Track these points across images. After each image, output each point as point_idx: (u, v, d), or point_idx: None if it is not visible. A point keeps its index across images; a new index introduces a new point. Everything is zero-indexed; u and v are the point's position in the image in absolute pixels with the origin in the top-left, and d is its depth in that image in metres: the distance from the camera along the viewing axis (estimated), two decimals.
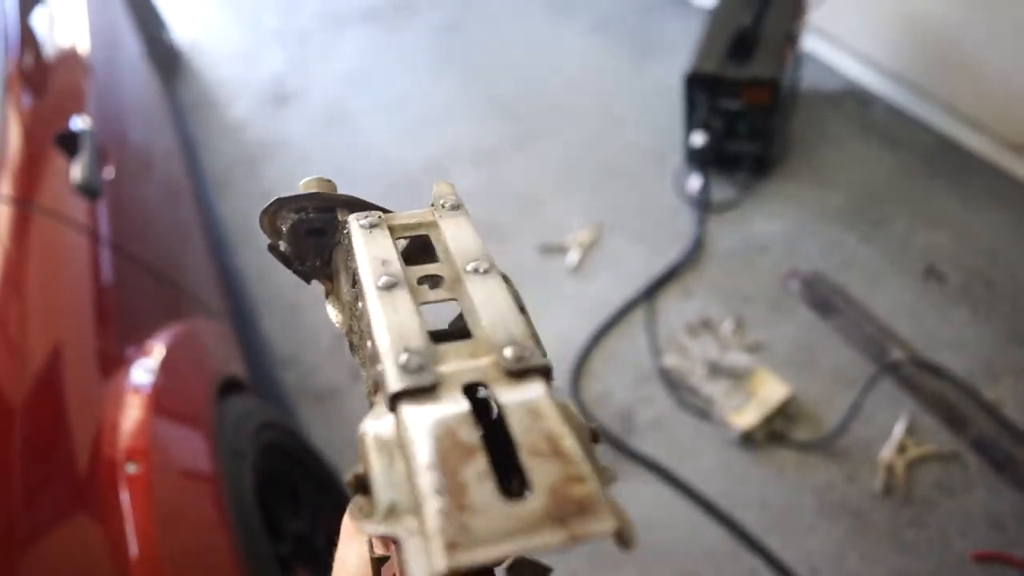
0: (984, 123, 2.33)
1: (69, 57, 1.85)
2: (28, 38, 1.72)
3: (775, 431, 1.86)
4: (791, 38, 2.25)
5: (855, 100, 2.59)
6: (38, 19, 1.80)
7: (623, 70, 2.89)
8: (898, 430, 1.82)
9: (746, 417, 1.85)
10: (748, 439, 1.84)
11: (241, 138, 2.99)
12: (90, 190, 1.44)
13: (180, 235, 1.93)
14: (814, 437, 1.84)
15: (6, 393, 1.08)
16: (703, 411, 1.91)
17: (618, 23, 3.08)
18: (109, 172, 1.57)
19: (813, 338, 2.02)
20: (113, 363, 1.26)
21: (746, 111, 2.21)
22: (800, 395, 1.91)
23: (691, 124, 2.30)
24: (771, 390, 1.90)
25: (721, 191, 2.37)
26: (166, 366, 1.28)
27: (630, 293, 2.16)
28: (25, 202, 1.31)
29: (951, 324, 2.01)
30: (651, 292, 2.16)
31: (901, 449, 1.80)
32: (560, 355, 2.05)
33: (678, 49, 2.75)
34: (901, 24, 2.43)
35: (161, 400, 1.22)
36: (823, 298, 2.08)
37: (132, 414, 1.17)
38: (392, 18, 3.36)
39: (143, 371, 1.26)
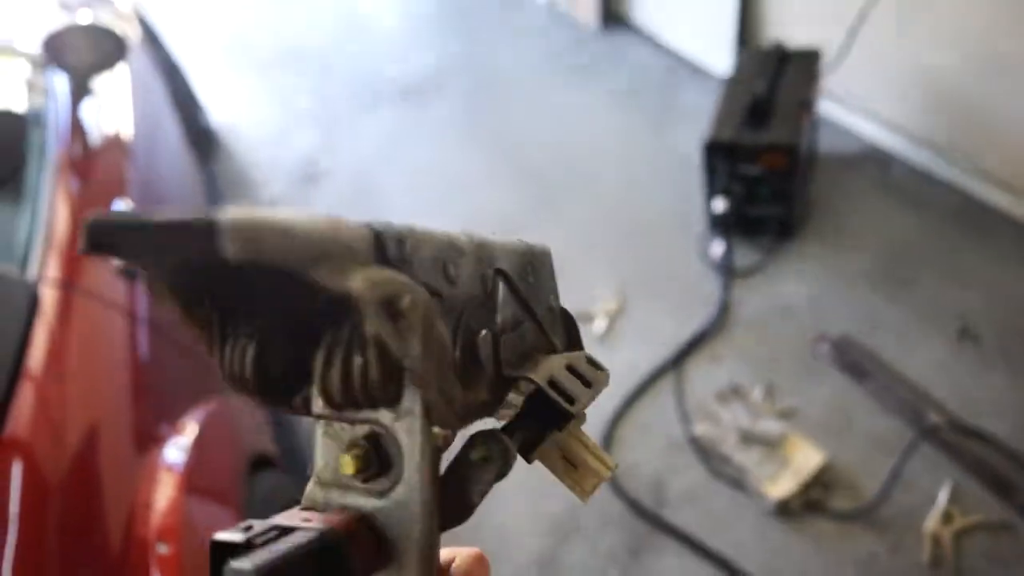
0: (1008, 180, 2.33)
1: (113, 143, 1.94)
2: (77, 127, 1.82)
3: (812, 500, 1.81)
4: (806, 104, 2.29)
5: (874, 161, 2.60)
6: (87, 109, 1.91)
7: (644, 138, 2.95)
8: (942, 498, 1.76)
9: (781, 486, 1.81)
10: (784, 509, 1.80)
11: None
12: (130, 271, 1.50)
13: None
14: (854, 506, 1.79)
15: (45, 472, 1.10)
16: (736, 480, 1.87)
17: (639, 92, 3.16)
18: None
19: (846, 403, 1.99)
20: (148, 441, 1.28)
21: (765, 176, 2.24)
22: (836, 462, 1.86)
23: (712, 190, 2.33)
24: (806, 457, 1.86)
25: (745, 255, 2.38)
26: (198, 444, 1.30)
27: (658, 360, 2.16)
28: (70, 285, 1.36)
29: (989, 386, 1.97)
30: (679, 359, 2.15)
31: (947, 518, 1.74)
32: (588, 425, 2.03)
33: (697, 116, 2.81)
34: (917, 86, 2.46)
35: (193, 479, 1.23)
36: (854, 361, 2.05)
37: (165, 492, 1.19)
38: (420, 95, 3.49)
39: (176, 449, 1.28)
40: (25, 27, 2.14)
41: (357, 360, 0.33)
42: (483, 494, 0.38)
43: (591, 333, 2.28)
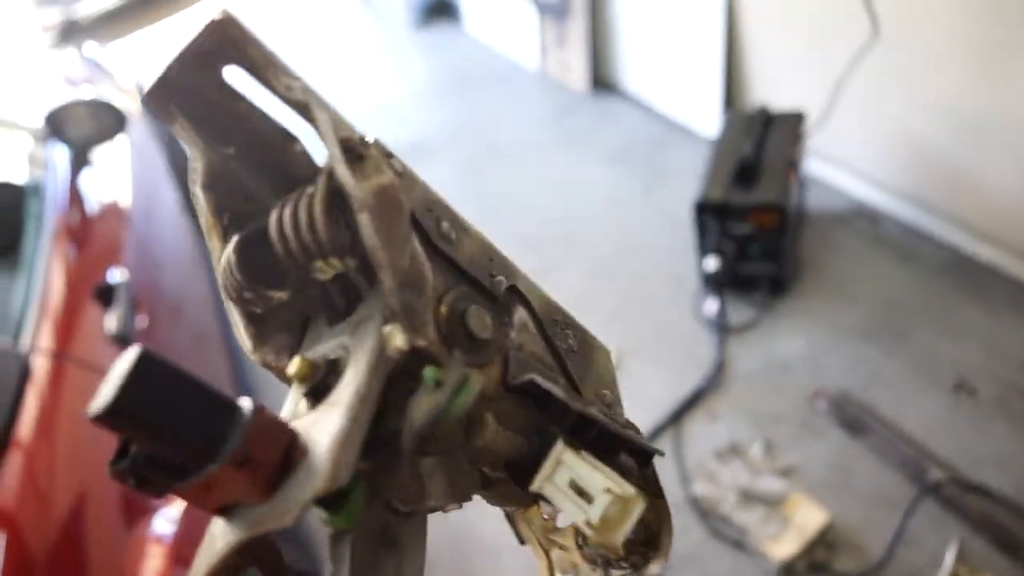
0: (996, 235, 2.36)
1: (111, 211, 1.97)
2: (75, 197, 1.84)
3: (816, 561, 1.77)
4: (792, 163, 2.34)
5: (863, 218, 2.64)
6: (86, 179, 1.94)
7: (636, 199, 3.00)
8: (949, 558, 1.73)
9: (784, 547, 1.77)
10: (788, 571, 1.76)
11: None
12: (123, 339, 1.50)
13: (207, 380, 1.97)
14: (860, 567, 1.75)
15: (31, 544, 1.08)
16: (738, 541, 1.83)
17: (630, 155, 3.23)
18: (142, 320, 1.64)
19: (847, 459, 1.97)
20: (137, 512, 1.26)
21: (756, 234, 2.27)
22: (839, 520, 1.83)
23: (704, 249, 2.36)
24: (808, 516, 1.82)
25: (739, 312, 2.39)
26: (188, 515, 1.28)
27: (655, 420, 2.14)
28: (62, 354, 1.36)
29: (990, 439, 1.95)
30: (677, 418, 2.14)
31: None
32: None
33: (687, 178, 2.86)
34: (899, 144, 2.52)
35: (182, 550, 1.20)
36: (853, 417, 2.04)
37: (153, 565, 1.16)
38: (414, 159, 3.54)
39: (165, 520, 1.25)
40: (28, 101, 2.20)
41: (307, 195, 0.34)
42: (417, 430, 0.34)
43: None
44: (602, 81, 3.60)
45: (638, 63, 3.42)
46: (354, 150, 0.33)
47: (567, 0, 3.43)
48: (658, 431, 2.11)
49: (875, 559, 1.75)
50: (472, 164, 3.45)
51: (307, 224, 0.34)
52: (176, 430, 0.31)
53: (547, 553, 0.44)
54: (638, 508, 0.37)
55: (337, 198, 0.34)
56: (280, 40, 5.20)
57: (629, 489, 0.37)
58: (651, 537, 0.37)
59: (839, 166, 2.74)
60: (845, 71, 2.38)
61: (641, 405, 2.20)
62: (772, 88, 2.82)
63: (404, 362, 0.34)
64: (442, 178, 3.40)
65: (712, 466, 1.99)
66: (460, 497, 0.38)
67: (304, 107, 0.34)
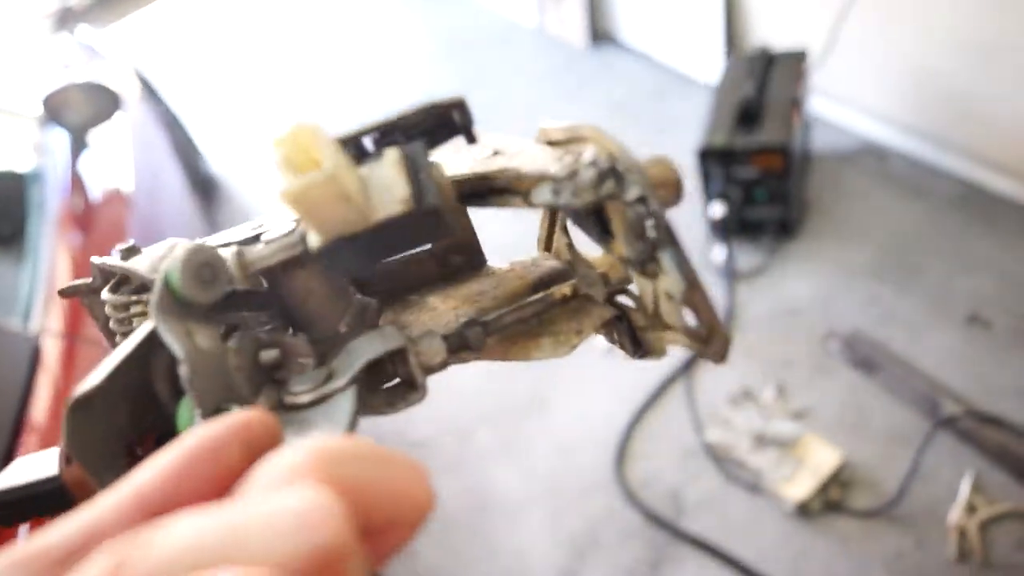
0: (1008, 165, 2.31)
1: (113, 195, 1.98)
2: (76, 182, 1.86)
3: (832, 500, 1.78)
4: (795, 103, 2.29)
5: (871, 155, 2.60)
6: (86, 163, 1.95)
7: (639, 149, 2.95)
8: (964, 489, 1.73)
9: (799, 487, 1.78)
10: (804, 510, 1.77)
11: None
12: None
13: None
14: (875, 503, 1.76)
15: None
16: (753, 484, 1.84)
17: (631, 107, 3.18)
18: None
19: (860, 399, 1.96)
20: None
21: (761, 178, 2.24)
22: (854, 460, 1.83)
23: (709, 196, 2.33)
24: (822, 457, 1.83)
25: (747, 258, 2.37)
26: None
27: (666, 369, 2.14)
28: (70, 336, 1.38)
29: (1005, 371, 1.93)
30: (688, 366, 2.14)
31: (971, 509, 1.70)
32: (601, 438, 2.02)
33: (689, 126, 2.82)
34: (907, 77, 2.46)
35: None
36: (865, 356, 2.02)
37: None
38: None
39: None
40: (27, 88, 2.20)
41: None
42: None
43: (596, 348, 2.27)
44: (601, 34, 3.54)
45: (636, 14, 3.35)
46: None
47: None
48: (670, 381, 2.12)
49: (890, 495, 1.75)
50: (477, 122, 3.42)
51: None
52: None
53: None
54: None
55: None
56: (276, 13, 5.15)
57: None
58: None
59: (844, 103, 2.69)
60: (846, 3, 2.31)
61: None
62: (773, 28, 2.76)
63: None
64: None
65: (725, 412, 2.00)
66: None
67: None
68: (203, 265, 0.30)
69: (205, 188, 3.38)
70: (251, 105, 4.19)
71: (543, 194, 0.36)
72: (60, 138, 1.96)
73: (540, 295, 0.39)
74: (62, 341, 1.36)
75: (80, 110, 1.99)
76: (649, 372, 2.15)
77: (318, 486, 0.19)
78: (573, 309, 0.40)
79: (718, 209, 2.29)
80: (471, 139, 0.40)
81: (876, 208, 2.43)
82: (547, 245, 0.45)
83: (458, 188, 0.38)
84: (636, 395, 2.11)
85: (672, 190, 0.37)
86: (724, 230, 2.33)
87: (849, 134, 2.67)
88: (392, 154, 0.32)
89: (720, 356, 0.37)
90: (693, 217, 2.52)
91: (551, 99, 3.40)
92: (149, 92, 3.01)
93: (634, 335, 0.40)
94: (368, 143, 0.35)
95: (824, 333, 2.12)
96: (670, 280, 0.36)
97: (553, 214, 0.44)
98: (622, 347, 0.41)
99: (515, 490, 1.99)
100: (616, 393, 2.13)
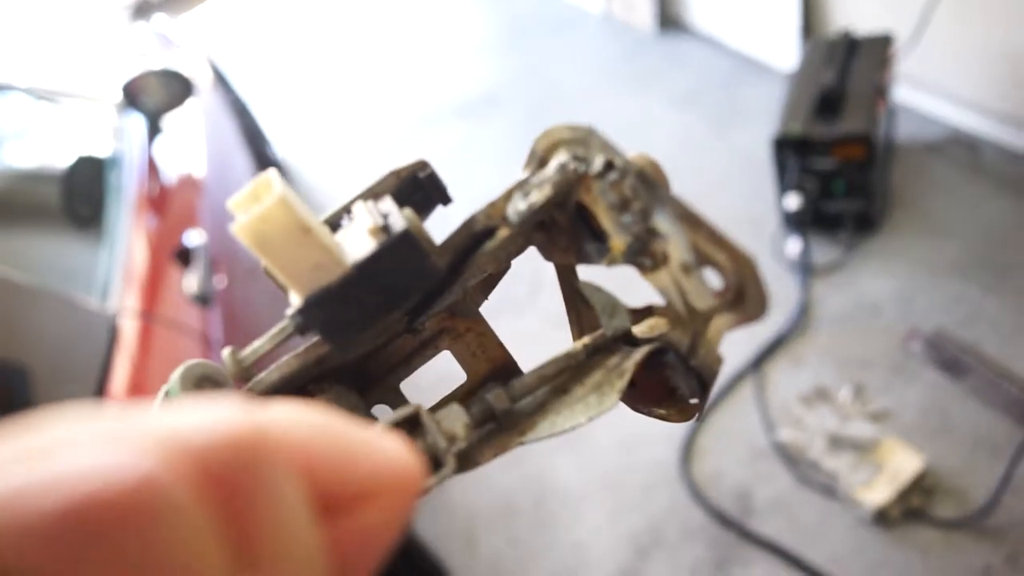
0: None
1: (186, 178, 2.02)
2: (151, 166, 1.90)
3: (913, 508, 1.69)
4: (880, 90, 2.18)
5: (960, 145, 2.46)
6: (160, 148, 1.99)
7: (709, 140, 2.88)
8: None
9: (878, 493, 1.70)
10: (883, 517, 1.68)
11: None
12: (203, 299, 1.54)
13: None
14: (961, 513, 1.66)
15: None
16: (828, 488, 1.76)
17: (699, 95, 3.09)
18: (221, 280, 1.68)
19: (944, 402, 1.86)
20: None
21: (841, 169, 2.13)
22: (937, 466, 1.74)
23: (784, 187, 2.24)
24: (903, 462, 1.74)
25: (823, 253, 2.27)
26: None
27: (736, 366, 2.07)
28: (149, 314, 1.41)
29: None
30: (758, 363, 2.06)
31: None
32: (667, 434, 1.97)
33: (761, 115, 2.72)
34: (1001, 63, 2.31)
35: None
36: (951, 357, 1.92)
37: None
38: (481, 113, 3.51)
39: None
40: (106, 75, 2.26)
41: None
42: None
43: None
44: (669, 19, 3.45)
45: None
46: None
47: None
48: (739, 377, 2.05)
49: (978, 505, 1.65)
50: (539, 112, 3.38)
51: None
52: None
53: None
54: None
55: None
56: (342, 7, 5.20)
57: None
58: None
59: (932, 91, 2.55)
60: None
61: (723, 351, 2.13)
62: (855, 12, 2.63)
63: None
64: (507, 128, 3.36)
65: (798, 411, 1.92)
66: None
67: None
68: (202, 379, 0.30)
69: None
70: (318, 92, 4.24)
71: (517, 203, 0.33)
72: (137, 123, 2.00)
73: (563, 353, 0.35)
74: (139, 320, 1.38)
75: (156, 96, 2.04)
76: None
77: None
78: (608, 356, 0.35)
79: (793, 201, 2.20)
80: (445, 200, 0.37)
81: (964, 201, 2.30)
82: (578, 329, 0.40)
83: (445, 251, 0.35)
84: None
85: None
86: (799, 223, 2.23)
87: (937, 123, 2.53)
88: (359, 206, 0.32)
89: (760, 305, 0.32)
90: (765, 211, 2.43)
91: (618, 87, 3.33)
92: (220, 79, 3.06)
93: (686, 363, 0.35)
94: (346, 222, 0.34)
95: (905, 332, 2.01)
96: (675, 242, 0.32)
97: (562, 275, 0.40)
98: (677, 392, 0.36)
99: (577, 482, 1.95)
100: None
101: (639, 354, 0.34)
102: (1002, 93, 2.36)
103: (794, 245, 2.27)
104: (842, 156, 2.11)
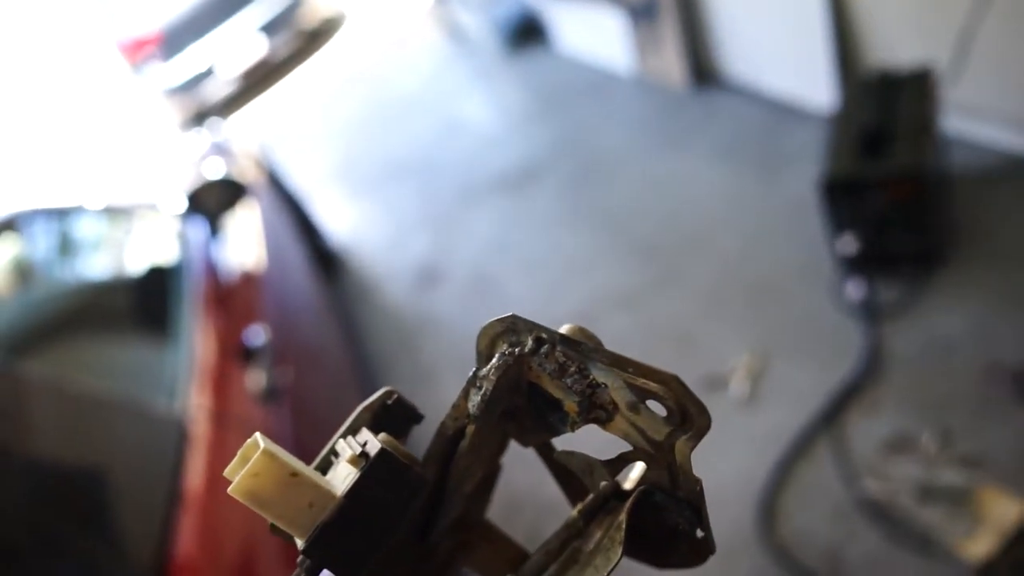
0: None
1: (246, 276, 2.10)
2: (212, 267, 1.98)
3: (1022, 559, 1.57)
4: (926, 125, 2.14)
5: (1020, 170, 2.37)
6: (221, 249, 2.08)
7: (752, 189, 2.85)
8: None
9: (980, 545, 1.58)
10: (989, 572, 1.56)
11: (398, 321, 3.19)
12: (271, 394, 1.57)
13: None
14: None
15: None
16: (923, 543, 1.66)
17: (738, 145, 3.09)
18: (287, 373, 1.71)
19: None
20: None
21: (894, 207, 2.08)
22: None
23: (837, 230, 2.19)
24: (1004, 509, 1.62)
25: (886, 293, 2.20)
26: None
27: (808, 418, 2.00)
28: (217, 414, 1.44)
29: None
30: (832, 414, 1.98)
31: None
32: (742, 496, 1.90)
33: (805, 159, 2.70)
34: None
35: None
36: None
37: None
38: (518, 186, 3.58)
39: None
40: (167, 184, 2.39)
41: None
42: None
43: (729, 399, 2.15)
44: (702, 74, 3.49)
45: (737, 49, 3.29)
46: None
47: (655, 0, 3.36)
48: (814, 430, 1.97)
49: None
50: (578, 179, 3.42)
51: None
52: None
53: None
54: None
55: None
56: (379, 93, 5.43)
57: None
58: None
59: (983, 118, 2.48)
60: (974, 6, 2.15)
61: (790, 404, 2.06)
62: (891, 47, 2.61)
63: None
64: (550, 198, 3.40)
65: (881, 462, 1.83)
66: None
67: None
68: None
69: (327, 263, 3.53)
70: (364, 177, 4.39)
71: (473, 398, 0.36)
72: (198, 227, 2.10)
73: (563, 525, 0.38)
74: (208, 421, 1.41)
75: (215, 201, 2.14)
76: (789, 423, 2.01)
77: None
78: (605, 516, 0.38)
79: (849, 244, 2.15)
80: (417, 419, 0.40)
81: None
82: (572, 499, 0.42)
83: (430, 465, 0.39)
84: (773, 449, 1.97)
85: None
86: (858, 266, 2.18)
87: (991, 151, 2.46)
88: (341, 444, 0.35)
89: (703, 414, 0.35)
90: (820, 257, 2.38)
91: (657, 147, 3.35)
92: (272, 176, 3.20)
93: (674, 497, 0.36)
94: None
95: (986, 369, 1.91)
96: (615, 386, 0.35)
97: (543, 454, 0.42)
98: (679, 529, 0.37)
99: None
100: (754, 447, 2.00)
101: (628, 503, 0.36)
102: None
103: (854, 289, 2.20)
104: (894, 194, 2.06)
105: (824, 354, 2.14)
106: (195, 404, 1.43)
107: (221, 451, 1.39)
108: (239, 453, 0.32)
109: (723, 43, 3.33)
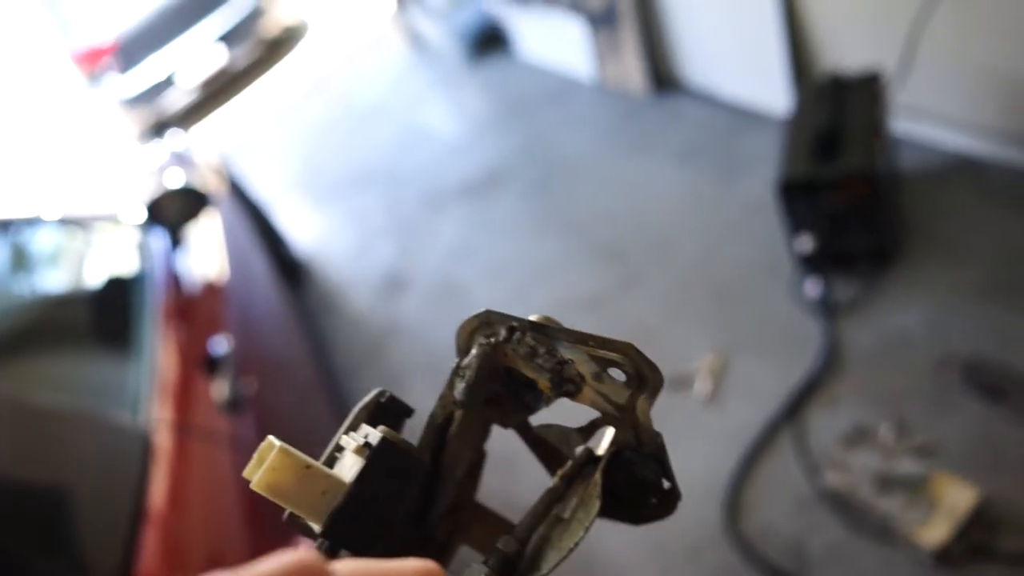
0: None
1: (208, 286, 2.08)
2: (174, 278, 1.95)
3: (976, 544, 1.62)
4: (876, 126, 2.21)
5: (967, 171, 2.46)
6: (182, 259, 2.06)
7: (713, 192, 2.91)
8: None
9: (935, 531, 1.64)
10: (945, 557, 1.62)
11: (365, 328, 3.18)
12: (234, 404, 1.56)
13: (317, 433, 2.03)
14: None
15: None
16: (882, 531, 1.71)
17: (698, 150, 3.15)
18: (251, 384, 1.70)
19: (991, 429, 1.80)
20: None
21: (849, 207, 2.14)
22: (994, 497, 1.68)
23: (794, 230, 2.25)
24: (957, 496, 1.68)
25: (843, 291, 2.26)
26: None
27: (770, 414, 2.04)
28: (181, 425, 1.43)
29: None
30: (793, 409, 2.03)
31: None
32: (708, 492, 1.93)
33: (763, 162, 2.76)
34: (995, 83, 2.34)
35: None
36: (991, 383, 1.87)
37: None
38: (483, 192, 3.59)
39: None
40: (127, 195, 2.36)
41: None
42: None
43: (693, 398, 2.19)
44: (662, 81, 3.54)
45: (696, 55, 3.35)
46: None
47: (614, 7, 3.41)
48: (776, 425, 2.01)
49: None
50: (544, 184, 3.45)
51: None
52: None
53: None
54: None
55: None
56: (342, 102, 5.41)
57: None
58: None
59: (931, 120, 2.57)
60: (920, 15, 2.23)
61: (753, 400, 2.10)
62: (842, 49, 2.69)
63: None
64: (514, 204, 3.42)
65: (840, 455, 1.87)
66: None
67: None
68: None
69: (291, 272, 3.51)
70: (328, 185, 4.37)
71: (458, 386, 0.41)
72: (159, 238, 2.07)
73: (547, 489, 0.42)
74: (172, 432, 1.40)
75: (176, 212, 2.12)
76: (752, 419, 2.05)
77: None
78: (582, 478, 0.42)
79: (807, 243, 2.21)
80: (409, 413, 0.44)
81: (980, 224, 2.29)
82: (553, 470, 0.46)
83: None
84: (741, 444, 2.01)
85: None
86: (815, 264, 2.23)
87: (939, 151, 2.55)
88: (344, 440, 0.38)
89: (656, 374, 0.39)
90: (779, 256, 2.43)
91: (618, 152, 3.40)
92: (235, 186, 3.17)
93: (640, 452, 0.41)
94: None
95: (939, 361, 1.98)
96: (579, 360, 0.39)
97: (523, 433, 0.47)
98: (649, 482, 0.42)
99: (619, 552, 1.90)
100: (718, 444, 2.03)
101: (602, 462, 0.41)
102: (1002, 112, 2.37)
103: (812, 287, 2.26)
104: (848, 194, 2.13)
105: (784, 351, 2.19)
106: (158, 416, 1.41)
107: (185, 463, 1.38)
108: (255, 455, 0.36)
109: (682, 50, 3.39)
